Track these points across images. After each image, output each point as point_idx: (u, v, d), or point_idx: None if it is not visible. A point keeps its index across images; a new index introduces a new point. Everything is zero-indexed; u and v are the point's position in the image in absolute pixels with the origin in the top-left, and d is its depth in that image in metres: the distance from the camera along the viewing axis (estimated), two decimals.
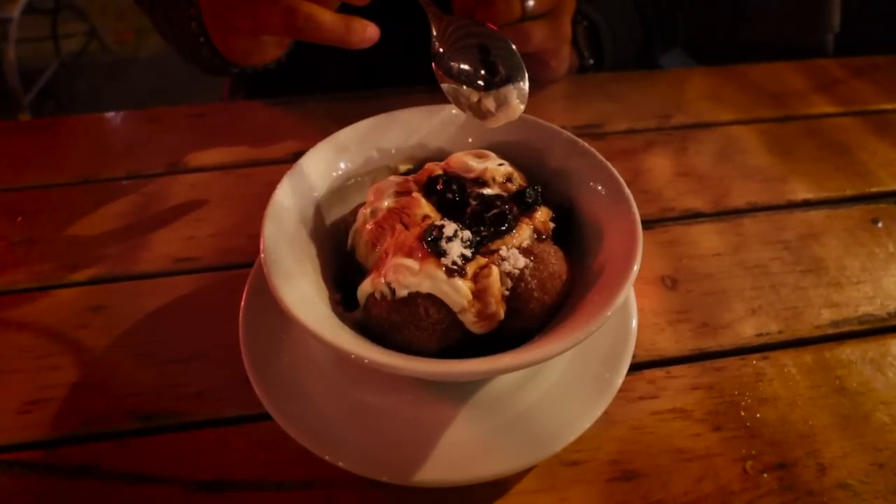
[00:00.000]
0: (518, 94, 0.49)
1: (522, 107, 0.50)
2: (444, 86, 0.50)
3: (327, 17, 0.57)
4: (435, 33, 0.53)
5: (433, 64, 0.51)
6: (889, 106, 0.86)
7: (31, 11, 2.71)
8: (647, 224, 0.68)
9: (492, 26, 0.54)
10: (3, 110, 2.53)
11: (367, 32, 0.59)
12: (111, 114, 0.84)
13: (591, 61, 0.91)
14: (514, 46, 0.52)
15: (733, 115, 0.84)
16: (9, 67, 2.45)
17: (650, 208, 0.70)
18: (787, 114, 0.84)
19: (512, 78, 0.50)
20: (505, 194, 0.49)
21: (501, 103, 0.49)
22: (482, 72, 0.50)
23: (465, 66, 0.51)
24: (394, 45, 0.95)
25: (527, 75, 0.50)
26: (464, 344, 0.44)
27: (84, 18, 3.07)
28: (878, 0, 1.22)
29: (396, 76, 0.86)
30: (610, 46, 0.91)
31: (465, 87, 0.50)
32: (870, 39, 1.15)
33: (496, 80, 0.50)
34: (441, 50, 0.52)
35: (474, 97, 0.49)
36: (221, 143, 0.78)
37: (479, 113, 0.49)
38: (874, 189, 0.73)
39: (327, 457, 0.43)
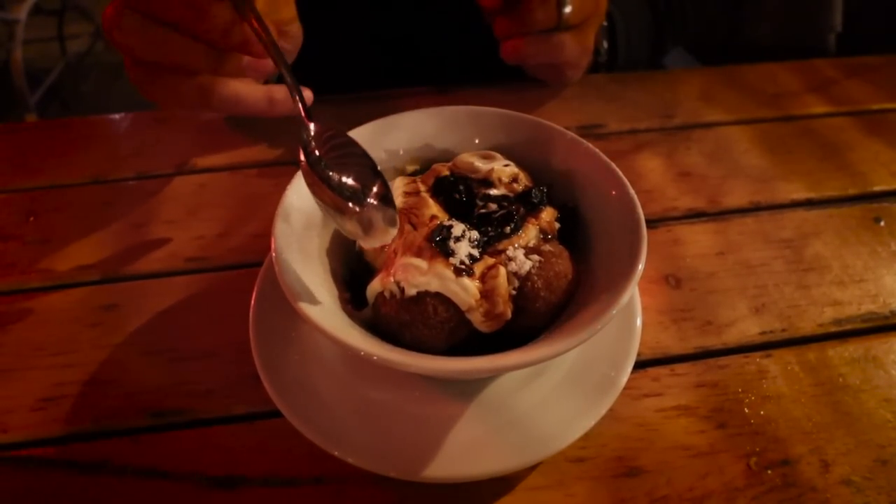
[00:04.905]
0: (384, 216, 0.44)
1: (394, 231, 0.44)
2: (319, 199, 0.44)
3: (247, 93, 0.53)
4: (304, 146, 0.46)
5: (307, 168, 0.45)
6: (888, 105, 0.86)
7: (38, 12, 2.72)
8: (651, 223, 0.68)
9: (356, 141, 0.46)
10: (9, 110, 2.55)
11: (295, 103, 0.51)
12: (120, 115, 0.85)
13: (605, 59, 0.91)
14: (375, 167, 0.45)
15: (734, 115, 0.84)
16: (15, 68, 2.47)
17: (653, 208, 0.70)
18: (787, 114, 0.85)
19: (379, 201, 0.44)
20: (511, 195, 0.50)
21: (366, 227, 0.44)
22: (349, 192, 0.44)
23: (338, 180, 0.44)
24: (399, 47, 0.96)
25: (394, 202, 0.44)
26: (471, 342, 0.45)
27: (90, 19, 3.08)
28: None
29: (402, 78, 0.86)
30: (624, 44, 0.91)
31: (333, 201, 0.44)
32: (872, 38, 1.15)
33: (363, 203, 0.44)
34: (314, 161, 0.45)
35: (344, 215, 0.44)
36: (229, 144, 0.79)
37: (349, 233, 0.44)
38: (876, 188, 0.73)
39: (337, 453, 0.44)
